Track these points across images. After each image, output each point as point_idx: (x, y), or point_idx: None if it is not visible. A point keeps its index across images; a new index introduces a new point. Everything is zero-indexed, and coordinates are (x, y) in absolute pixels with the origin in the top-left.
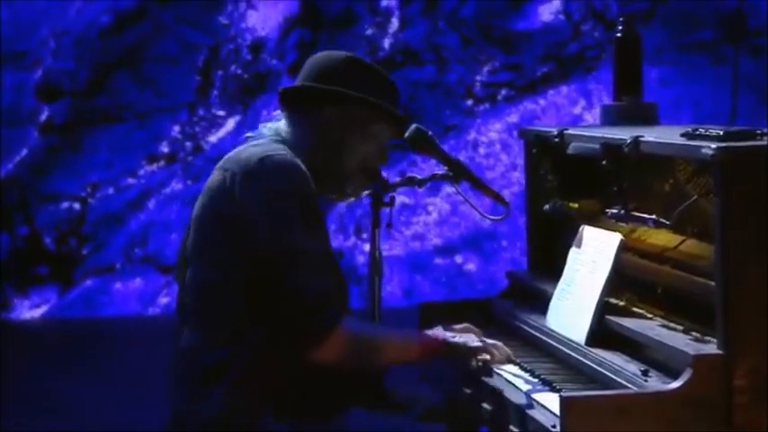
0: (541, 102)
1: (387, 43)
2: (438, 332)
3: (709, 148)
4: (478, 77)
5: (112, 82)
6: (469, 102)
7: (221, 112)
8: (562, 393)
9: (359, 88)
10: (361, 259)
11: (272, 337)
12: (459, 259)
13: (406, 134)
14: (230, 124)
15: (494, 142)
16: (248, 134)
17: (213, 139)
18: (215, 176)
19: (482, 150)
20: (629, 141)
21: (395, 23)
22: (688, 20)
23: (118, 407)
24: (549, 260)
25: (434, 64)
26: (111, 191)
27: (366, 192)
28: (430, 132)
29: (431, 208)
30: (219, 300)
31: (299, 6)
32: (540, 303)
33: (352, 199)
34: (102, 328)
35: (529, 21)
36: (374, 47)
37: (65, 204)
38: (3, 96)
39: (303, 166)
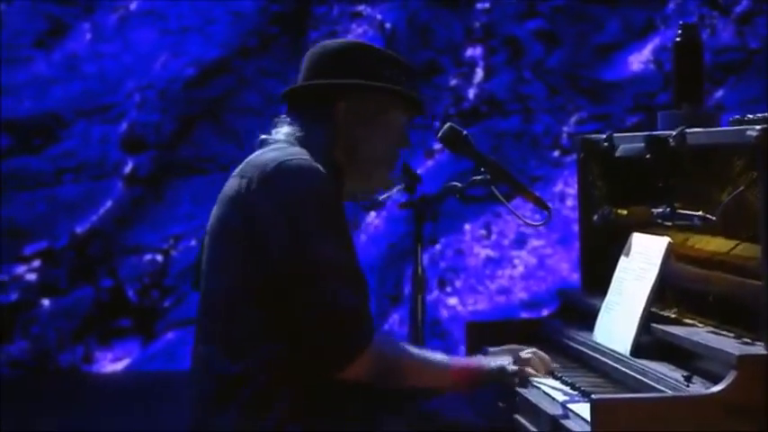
0: None
1: (471, 94)
2: (473, 359)
3: (754, 130)
4: (565, 128)
5: (196, 134)
6: (556, 153)
7: None
8: (592, 396)
9: (367, 75)
10: (444, 313)
11: (291, 351)
12: (545, 314)
13: (440, 133)
14: None
15: None
16: (263, 136)
17: None
18: (231, 184)
19: (569, 203)
20: (675, 134)
21: (479, 74)
22: None
23: None
24: (602, 275)
25: (520, 114)
26: (193, 243)
27: (395, 186)
28: (465, 132)
29: (516, 261)
30: (234, 313)
31: None
32: (591, 320)
33: (382, 192)
34: (184, 381)
35: (618, 70)
36: (458, 97)
37: (148, 257)
38: (89, 149)
39: (323, 170)
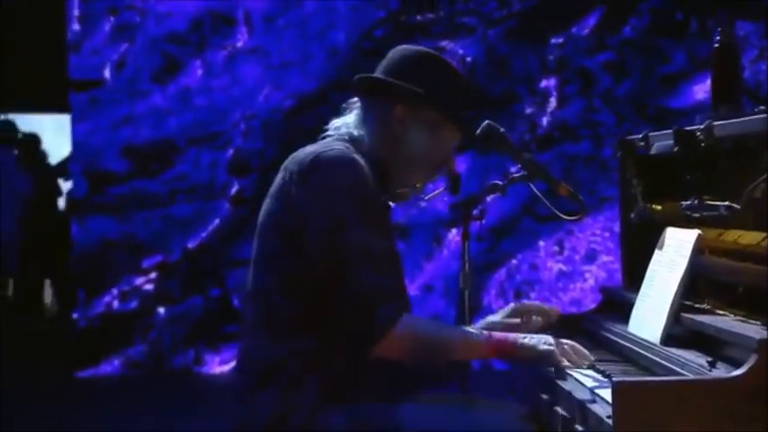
0: None
1: (545, 121)
2: (509, 334)
3: None
4: None
5: None
6: None
7: None
8: (613, 379)
9: (432, 89)
10: None
11: (328, 337)
12: None
13: (478, 131)
14: None
15: None
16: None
17: None
18: (277, 178)
19: None
20: (703, 127)
21: (553, 102)
22: None
23: None
24: (642, 271)
25: (590, 140)
26: None
27: (436, 190)
28: (502, 129)
29: (587, 275)
30: (274, 303)
31: None
32: (629, 313)
33: (415, 192)
34: None
35: (683, 99)
36: (533, 124)
37: None
38: (199, 173)
39: (361, 161)
